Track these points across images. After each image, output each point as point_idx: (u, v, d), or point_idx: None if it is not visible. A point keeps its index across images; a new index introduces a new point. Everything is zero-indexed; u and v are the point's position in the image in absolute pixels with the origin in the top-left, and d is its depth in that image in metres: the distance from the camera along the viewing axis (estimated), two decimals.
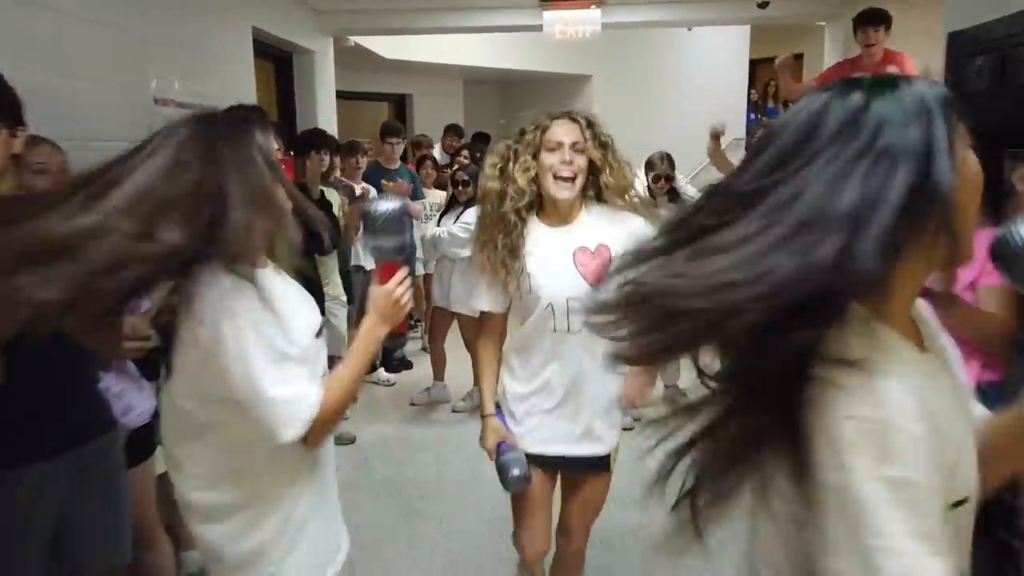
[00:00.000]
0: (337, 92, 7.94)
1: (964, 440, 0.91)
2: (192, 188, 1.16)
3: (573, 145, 1.98)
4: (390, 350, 5.82)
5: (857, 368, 0.81)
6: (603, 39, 8.74)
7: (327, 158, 4.36)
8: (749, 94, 10.73)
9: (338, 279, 4.29)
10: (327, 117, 5.29)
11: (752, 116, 10.81)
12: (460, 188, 4.69)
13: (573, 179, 1.98)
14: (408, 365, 5.80)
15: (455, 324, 4.79)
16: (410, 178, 5.70)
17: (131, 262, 1.07)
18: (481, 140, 8.48)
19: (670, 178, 4.57)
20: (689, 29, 9.59)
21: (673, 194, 4.61)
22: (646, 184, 4.60)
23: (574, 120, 2.04)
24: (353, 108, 7.94)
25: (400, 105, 8.75)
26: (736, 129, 10.45)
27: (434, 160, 6.24)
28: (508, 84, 9.52)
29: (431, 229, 4.82)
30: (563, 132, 2.00)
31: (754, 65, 10.78)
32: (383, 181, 5.52)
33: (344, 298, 4.32)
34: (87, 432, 1.89)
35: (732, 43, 10.27)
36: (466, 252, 4.53)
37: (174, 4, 3.38)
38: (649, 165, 4.63)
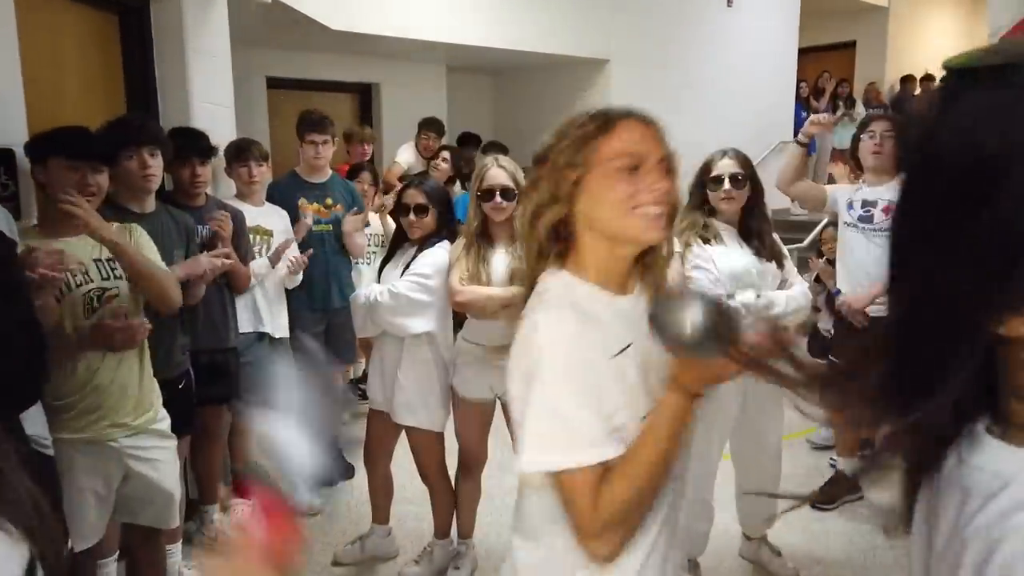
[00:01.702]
0: (274, 80, 6.13)
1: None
2: None
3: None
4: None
5: None
6: (624, 16, 6.91)
7: (154, 161, 2.50)
8: (798, 88, 8.85)
9: (152, 384, 2.36)
10: (215, 104, 3.43)
11: (802, 114, 8.91)
12: (412, 218, 2.80)
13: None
14: (347, 472, 3.89)
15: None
16: (348, 197, 3.81)
17: None
18: (470, 144, 6.62)
19: (741, 179, 2.70)
20: (729, 4, 7.72)
21: (754, 213, 2.76)
22: (698, 196, 2.80)
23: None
24: (298, 102, 6.06)
25: (364, 98, 6.89)
26: (783, 130, 8.58)
27: (372, 171, 4.35)
28: (504, 71, 7.66)
29: (365, 285, 2.93)
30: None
31: (802, 54, 8.92)
32: (301, 201, 3.64)
33: (165, 425, 2.39)
34: None
35: (778, 26, 8.42)
36: (421, 325, 2.68)
37: None
38: (706, 167, 2.77)
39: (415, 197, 2.81)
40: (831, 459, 3.97)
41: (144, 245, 2.27)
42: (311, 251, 3.38)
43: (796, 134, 8.87)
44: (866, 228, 3.27)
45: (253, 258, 3.23)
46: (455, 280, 2.65)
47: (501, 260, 2.66)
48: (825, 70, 9.55)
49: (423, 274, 2.71)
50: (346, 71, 6.53)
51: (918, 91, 10.07)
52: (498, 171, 2.68)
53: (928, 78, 10.10)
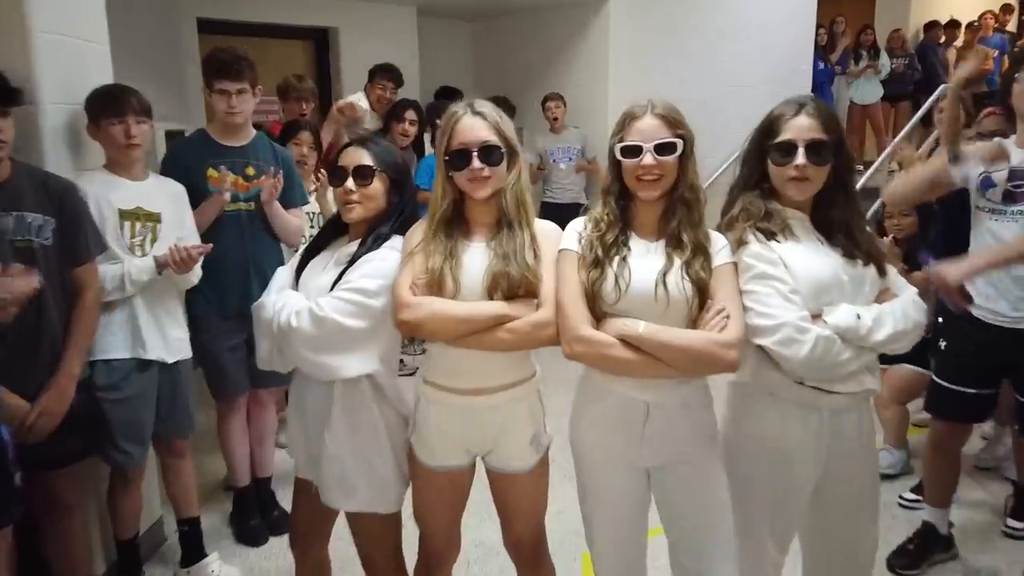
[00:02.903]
0: (207, 23, 5.07)
1: None
2: None
3: None
4: (248, 498, 3.04)
5: None
6: None
7: None
8: (817, 36, 7.87)
9: None
10: (78, 39, 2.46)
11: (820, 66, 7.95)
12: (350, 185, 1.91)
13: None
14: (279, 523, 3.00)
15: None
16: (279, 165, 2.87)
17: None
18: (450, 101, 5.63)
19: (826, 149, 1.79)
20: None
21: (839, 197, 1.86)
22: (754, 170, 1.91)
23: None
24: (247, 50, 5.07)
25: (320, 46, 5.87)
26: (801, 81, 7.60)
27: (314, 131, 3.41)
28: (485, 15, 6.66)
29: (274, 293, 1.99)
30: None
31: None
32: (209, 171, 2.71)
33: None
34: None
35: None
36: (357, 365, 1.78)
37: None
38: (769, 128, 1.85)
39: (355, 156, 1.90)
40: (902, 497, 3.13)
41: None
42: (210, 246, 2.45)
43: (814, 88, 7.93)
44: (1016, 210, 2.35)
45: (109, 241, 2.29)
46: (403, 286, 1.75)
47: (478, 258, 1.76)
48: (840, 15, 8.55)
49: (363, 289, 1.79)
50: (297, 13, 5.51)
51: (943, 39, 9.13)
52: (474, 120, 1.76)
53: (953, 24, 9.16)
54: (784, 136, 1.75)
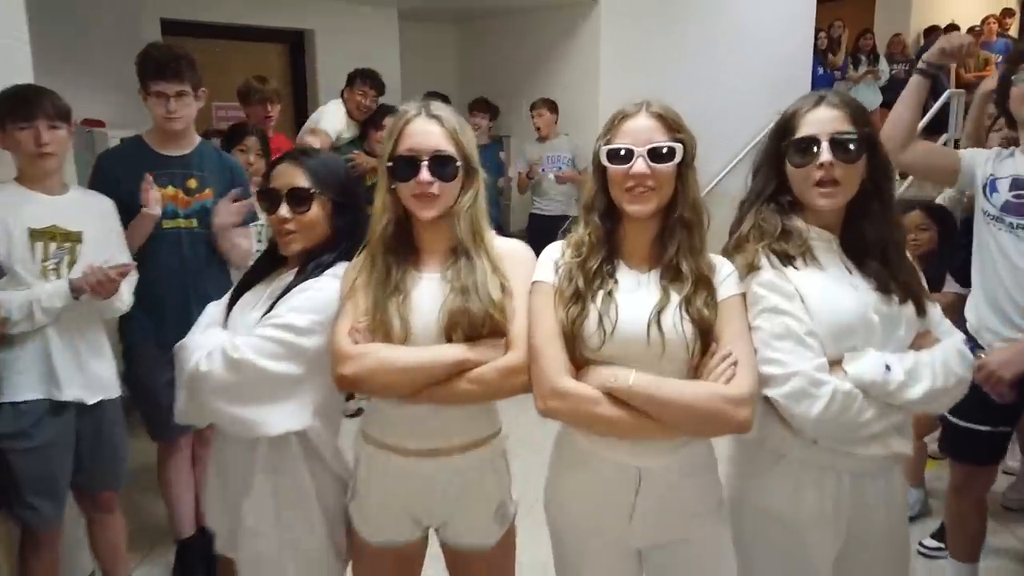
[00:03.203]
0: (172, 24, 4.74)
1: None
2: None
3: None
4: (193, 550, 2.72)
5: None
6: None
7: None
8: (816, 40, 7.61)
9: None
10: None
11: (820, 71, 7.69)
12: (283, 213, 1.59)
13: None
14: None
15: None
16: (225, 176, 2.57)
17: None
18: None
19: (855, 145, 1.48)
20: None
21: (873, 209, 1.55)
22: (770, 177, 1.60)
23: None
24: (206, 54, 4.75)
25: (295, 49, 5.57)
26: (800, 87, 7.33)
27: (261, 135, 3.10)
28: (470, 17, 6.38)
29: (199, 332, 1.70)
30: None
31: (819, 3, 7.66)
32: (146, 180, 2.39)
33: None
34: None
35: None
36: (283, 420, 1.44)
37: None
38: (785, 125, 1.57)
39: (289, 177, 1.59)
40: (922, 545, 2.82)
41: None
42: (132, 264, 2.15)
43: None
44: (1019, 224, 2.06)
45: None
46: (342, 333, 1.44)
47: (431, 292, 1.45)
48: (838, 19, 8.31)
49: (290, 325, 1.49)
50: (270, 14, 5.20)
51: None
52: (428, 124, 1.46)
53: (953, 29, 8.93)
54: (803, 131, 1.46)
